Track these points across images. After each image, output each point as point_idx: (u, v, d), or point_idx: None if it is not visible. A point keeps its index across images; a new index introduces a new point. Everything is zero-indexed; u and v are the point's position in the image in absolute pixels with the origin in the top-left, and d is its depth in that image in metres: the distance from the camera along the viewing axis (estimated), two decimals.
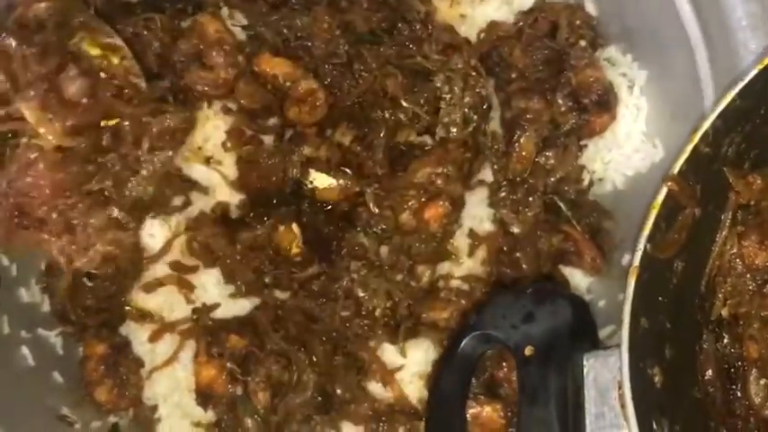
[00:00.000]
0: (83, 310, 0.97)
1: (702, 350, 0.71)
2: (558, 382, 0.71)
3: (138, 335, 0.98)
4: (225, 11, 1.05)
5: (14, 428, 0.82)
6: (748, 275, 0.72)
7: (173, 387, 0.97)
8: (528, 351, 0.76)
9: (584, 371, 0.70)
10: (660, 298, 0.69)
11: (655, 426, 0.65)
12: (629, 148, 1.00)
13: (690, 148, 0.70)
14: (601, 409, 0.68)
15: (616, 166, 1.02)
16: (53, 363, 0.97)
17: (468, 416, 0.89)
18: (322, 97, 1.00)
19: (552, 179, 0.99)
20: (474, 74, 1.00)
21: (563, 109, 0.98)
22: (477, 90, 0.99)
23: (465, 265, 0.99)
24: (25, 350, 0.94)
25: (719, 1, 0.85)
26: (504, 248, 0.99)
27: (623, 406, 0.64)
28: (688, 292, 0.71)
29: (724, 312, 0.72)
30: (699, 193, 0.71)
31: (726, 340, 0.72)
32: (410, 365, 0.96)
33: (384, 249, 0.98)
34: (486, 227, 1.00)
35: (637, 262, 0.67)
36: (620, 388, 0.65)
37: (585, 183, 1.01)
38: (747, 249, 0.73)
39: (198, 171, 1.02)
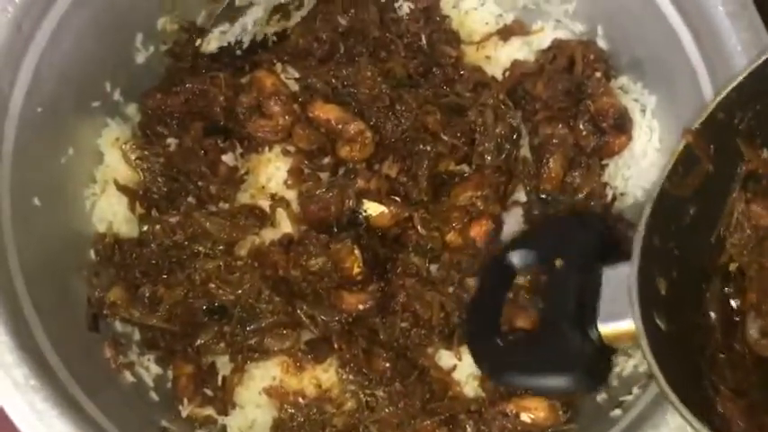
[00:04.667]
0: (170, 336, 1.09)
1: (709, 289, 0.82)
2: (579, 282, 0.84)
3: (221, 356, 1.08)
4: (279, 66, 1.16)
5: None
6: (751, 232, 0.83)
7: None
8: (558, 263, 0.91)
9: (602, 275, 0.82)
10: (673, 227, 0.80)
11: (656, 318, 0.75)
12: (646, 164, 1.11)
13: (707, 112, 0.81)
14: (612, 303, 0.80)
15: (635, 181, 1.12)
16: (149, 383, 1.06)
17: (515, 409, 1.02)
18: (369, 136, 1.11)
19: (579, 196, 1.10)
20: (503, 107, 1.12)
21: (584, 133, 1.10)
22: (508, 121, 1.11)
23: None
24: (126, 373, 1.05)
25: (717, 31, 0.97)
26: None
27: (631, 299, 0.76)
28: (699, 238, 0.83)
29: (732, 267, 0.83)
30: (712, 152, 0.82)
31: (731, 290, 0.83)
32: (465, 367, 1.05)
33: (434, 267, 1.09)
34: None
35: (656, 192, 0.79)
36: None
37: (609, 197, 1.12)
38: (754, 212, 0.84)
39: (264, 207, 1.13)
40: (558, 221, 1.01)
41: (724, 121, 0.82)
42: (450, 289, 1.07)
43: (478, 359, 0.96)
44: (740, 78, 0.82)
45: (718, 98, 0.82)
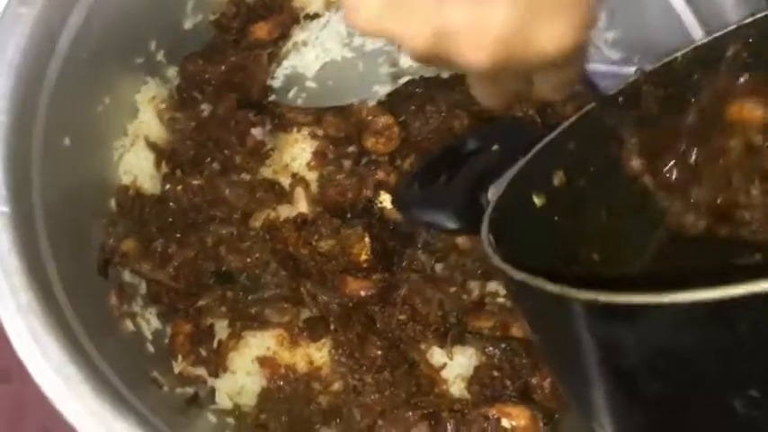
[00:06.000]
0: (175, 294, 1.12)
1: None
2: (498, 162, 0.89)
3: (220, 319, 1.11)
4: None
5: (126, 382, 0.94)
6: None
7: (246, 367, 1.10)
8: (494, 148, 0.98)
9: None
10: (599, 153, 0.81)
11: (534, 196, 0.79)
12: None
13: (668, 59, 0.81)
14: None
15: None
16: (147, 335, 1.09)
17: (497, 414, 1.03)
18: (396, 131, 1.14)
19: None
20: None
21: None
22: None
23: None
24: (128, 321, 1.08)
25: None
26: None
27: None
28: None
29: None
30: (661, 96, 0.80)
31: None
32: (455, 368, 1.07)
33: (439, 266, 1.11)
34: None
35: (588, 108, 0.82)
36: None
37: None
38: None
39: (284, 185, 1.16)
40: (517, 125, 1.10)
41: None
42: (452, 289, 1.09)
43: (398, 199, 1.06)
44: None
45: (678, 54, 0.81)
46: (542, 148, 0.82)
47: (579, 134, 0.82)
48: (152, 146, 1.16)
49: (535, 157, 0.81)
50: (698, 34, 1.03)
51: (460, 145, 1.03)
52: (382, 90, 1.12)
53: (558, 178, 0.81)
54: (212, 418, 1.07)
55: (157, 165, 1.16)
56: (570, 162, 0.81)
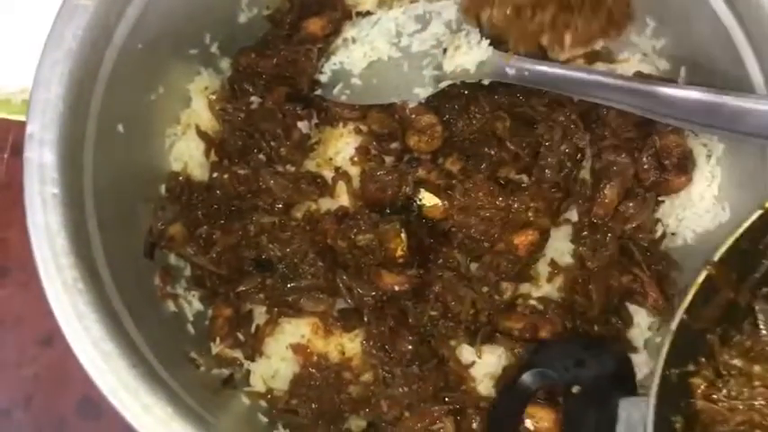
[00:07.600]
0: (217, 278, 1.16)
1: None
2: (596, 416, 0.85)
3: (259, 305, 1.14)
4: None
5: (162, 360, 0.99)
6: None
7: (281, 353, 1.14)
8: (575, 390, 0.93)
9: (619, 410, 0.83)
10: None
11: None
12: (701, 209, 1.13)
13: (731, 240, 0.82)
14: None
15: (688, 224, 1.14)
16: (188, 317, 1.13)
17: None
18: (440, 130, 1.15)
19: (629, 226, 1.12)
20: (573, 127, 1.14)
21: (646, 167, 1.12)
22: (574, 141, 1.13)
23: (543, 289, 1.12)
24: (170, 302, 1.12)
25: None
26: (580, 280, 1.12)
27: None
28: None
29: None
30: (735, 279, 0.83)
31: None
32: (483, 366, 1.09)
33: (474, 265, 1.12)
34: (566, 259, 1.13)
35: (674, 327, 0.80)
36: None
37: (659, 234, 1.14)
38: None
39: (327, 178, 1.18)
40: (577, 345, 1.03)
41: (747, 250, 0.84)
42: (485, 289, 1.10)
43: None
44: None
45: (741, 229, 0.83)
46: (659, 396, 0.80)
47: (676, 364, 0.81)
48: (202, 135, 1.19)
49: (657, 413, 0.79)
50: (746, 52, 1.02)
51: (518, 382, 1.00)
52: (423, 93, 1.14)
53: (679, 424, 0.80)
54: (245, 400, 1.11)
55: (207, 153, 1.20)
56: (679, 401, 0.80)
